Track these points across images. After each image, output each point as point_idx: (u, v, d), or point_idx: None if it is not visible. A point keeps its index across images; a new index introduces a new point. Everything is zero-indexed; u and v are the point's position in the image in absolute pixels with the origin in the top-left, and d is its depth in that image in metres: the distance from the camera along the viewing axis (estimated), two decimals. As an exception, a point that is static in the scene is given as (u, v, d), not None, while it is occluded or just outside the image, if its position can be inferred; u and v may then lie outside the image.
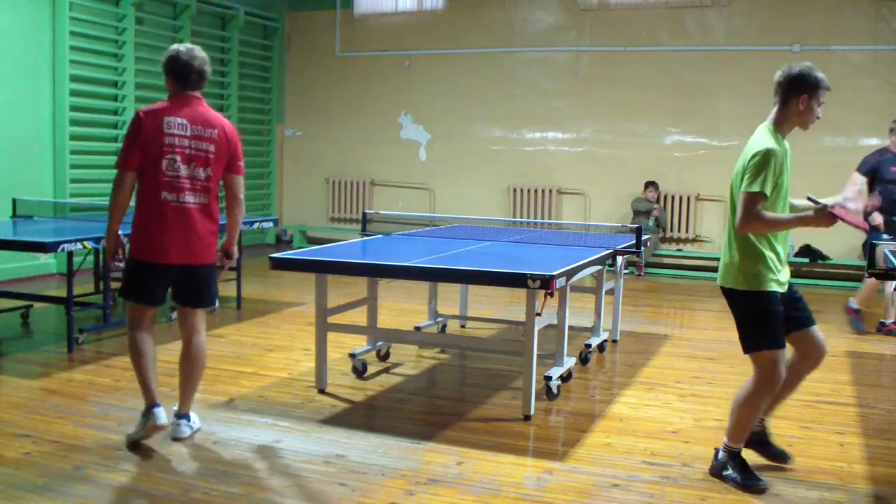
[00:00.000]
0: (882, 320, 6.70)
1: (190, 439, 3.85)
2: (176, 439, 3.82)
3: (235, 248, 4.10)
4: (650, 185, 9.95)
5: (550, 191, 10.67)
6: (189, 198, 3.73)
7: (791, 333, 3.46)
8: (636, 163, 10.30)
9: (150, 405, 3.76)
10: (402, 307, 7.20)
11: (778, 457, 3.67)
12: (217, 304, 4.18)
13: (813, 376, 5.26)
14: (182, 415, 3.90)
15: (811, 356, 3.54)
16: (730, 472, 3.46)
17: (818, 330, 3.54)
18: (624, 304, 6.77)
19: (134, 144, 3.67)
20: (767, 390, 3.37)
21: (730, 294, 3.42)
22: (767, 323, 3.31)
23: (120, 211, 3.74)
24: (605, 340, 5.87)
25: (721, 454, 3.52)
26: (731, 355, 5.81)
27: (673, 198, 10.18)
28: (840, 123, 9.48)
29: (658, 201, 10.04)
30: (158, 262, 3.72)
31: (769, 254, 3.32)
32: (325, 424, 4.14)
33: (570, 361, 4.86)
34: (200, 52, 3.80)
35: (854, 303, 6.82)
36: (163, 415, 3.77)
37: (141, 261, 3.74)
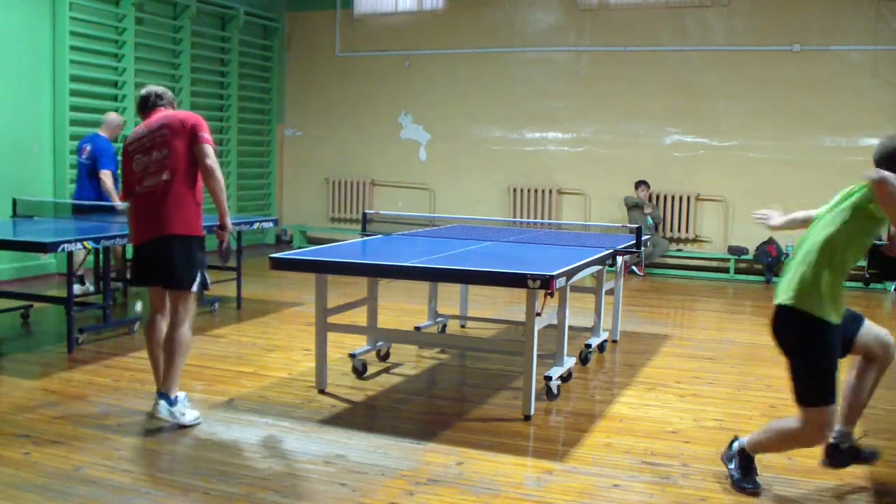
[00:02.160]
0: None
1: (170, 424, 3.98)
2: (151, 416, 4.05)
3: (228, 220, 4.20)
4: (641, 184, 9.95)
5: (550, 191, 10.66)
6: (150, 180, 4.06)
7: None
8: (636, 163, 10.30)
9: (157, 391, 4.12)
10: (402, 307, 7.20)
11: (870, 457, 3.49)
12: (203, 284, 4.16)
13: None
14: (161, 393, 4.06)
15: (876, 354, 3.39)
16: (732, 466, 3.46)
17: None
18: (624, 304, 6.76)
19: (123, 172, 4.26)
20: (808, 443, 3.29)
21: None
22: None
23: None
24: (605, 340, 5.87)
25: (735, 446, 3.49)
26: (731, 355, 5.82)
27: (673, 198, 10.18)
28: (840, 123, 9.49)
29: (651, 200, 10.04)
30: (135, 245, 4.16)
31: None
32: (325, 424, 4.14)
33: (570, 361, 4.85)
34: (155, 87, 4.33)
35: None
36: (162, 407, 4.05)
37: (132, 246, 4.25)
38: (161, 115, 4.15)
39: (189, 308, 4.13)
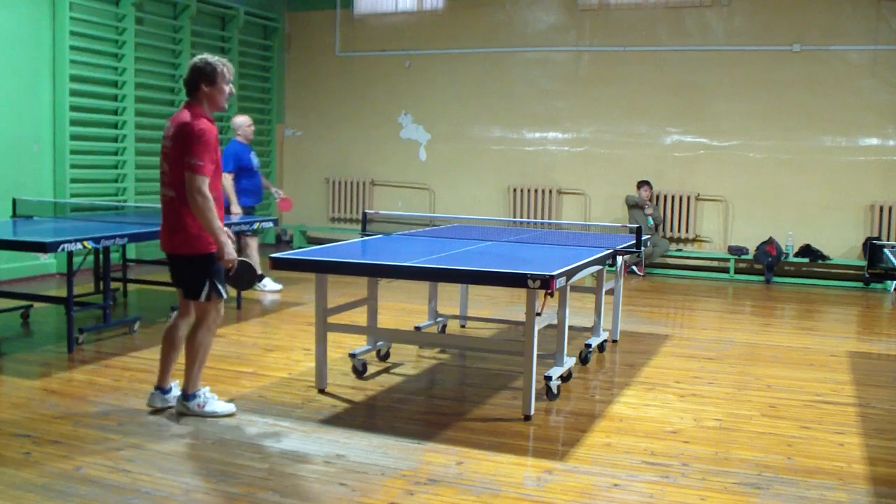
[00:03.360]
0: None
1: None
2: (153, 412, 4.22)
3: (224, 251, 3.94)
4: (643, 184, 9.95)
5: (550, 191, 10.67)
6: (162, 191, 4.03)
7: None
8: (636, 163, 10.30)
9: (155, 386, 4.27)
10: (402, 307, 7.20)
11: None
12: (217, 294, 4.14)
13: (813, 376, 5.29)
14: (156, 387, 4.26)
15: None
16: None
17: None
18: (624, 304, 6.77)
19: None
20: None
21: None
22: None
23: None
24: (605, 340, 5.86)
25: None
26: (731, 355, 5.82)
27: (673, 198, 10.18)
28: (840, 123, 9.48)
29: (652, 200, 10.04)
30: (161, 249, 4.17)
31: None
32: (325, 424, 4.14)
33: (570, 361, 4.85)
34: (196, 69, 3.96)
35: None
36: (156, 399, 4.25)
37: None
38: (182, 117, 3.91)
39: (206, 314, 4.10)
